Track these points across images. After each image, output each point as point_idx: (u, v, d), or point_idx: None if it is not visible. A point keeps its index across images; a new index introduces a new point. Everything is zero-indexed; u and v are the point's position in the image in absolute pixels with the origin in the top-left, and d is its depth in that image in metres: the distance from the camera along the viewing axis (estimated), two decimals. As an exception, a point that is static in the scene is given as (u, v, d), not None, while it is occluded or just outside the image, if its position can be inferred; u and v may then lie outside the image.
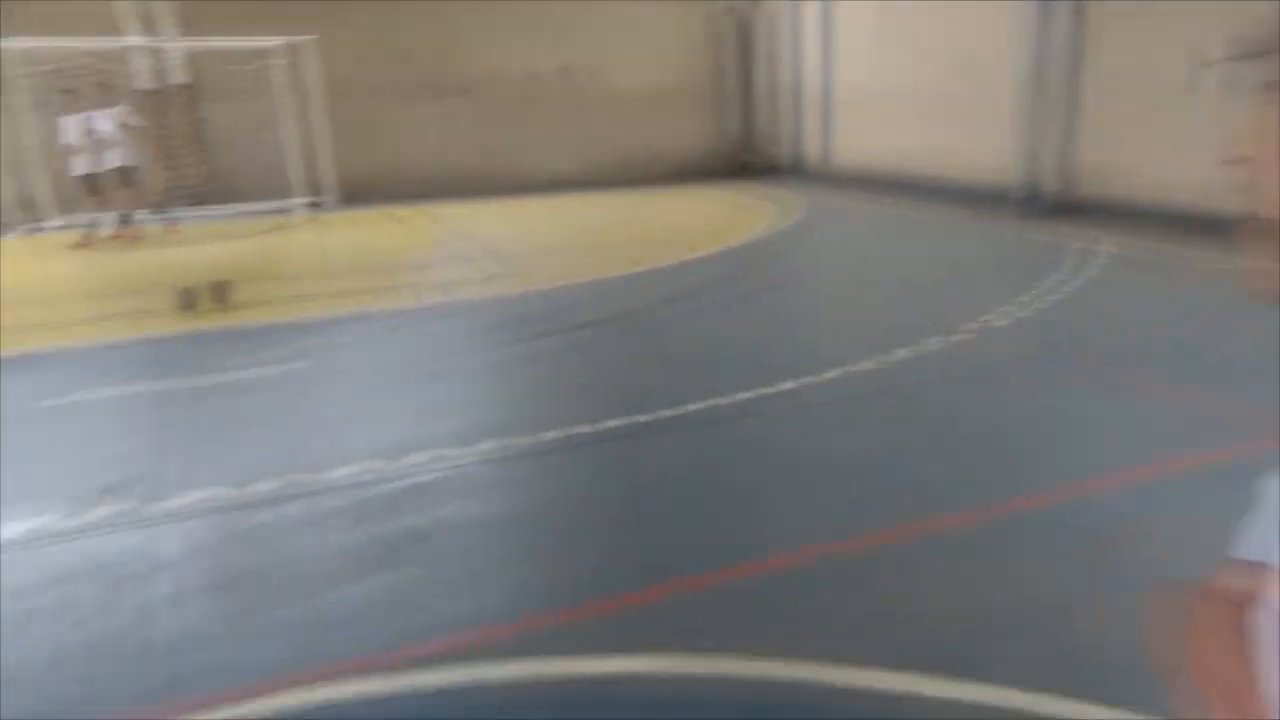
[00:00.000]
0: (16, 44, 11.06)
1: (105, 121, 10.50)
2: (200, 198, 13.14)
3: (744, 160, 16.42)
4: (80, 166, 10.57)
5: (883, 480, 3.94)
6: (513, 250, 9.64)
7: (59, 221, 11.57)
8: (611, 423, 4.68)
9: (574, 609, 3.07)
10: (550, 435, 4.56)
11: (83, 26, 11.72)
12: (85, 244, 10.58)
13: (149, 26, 12.59)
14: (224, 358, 6.11)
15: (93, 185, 10.65)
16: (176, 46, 12.49)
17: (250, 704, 2.60)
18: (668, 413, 4.77)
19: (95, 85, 10.81)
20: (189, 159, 13.20)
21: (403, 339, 6.49)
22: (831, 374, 5.26)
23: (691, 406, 4.84)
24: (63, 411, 5.13)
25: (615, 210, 12.64)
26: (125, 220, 10.96)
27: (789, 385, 5.11)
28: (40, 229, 11.54)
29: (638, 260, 8.94)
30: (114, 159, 10.62)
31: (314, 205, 12.91)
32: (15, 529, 3.72)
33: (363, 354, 6.15)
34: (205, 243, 10.85)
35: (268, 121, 13.10)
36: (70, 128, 10.51)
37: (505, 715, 2.56)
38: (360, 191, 13.67)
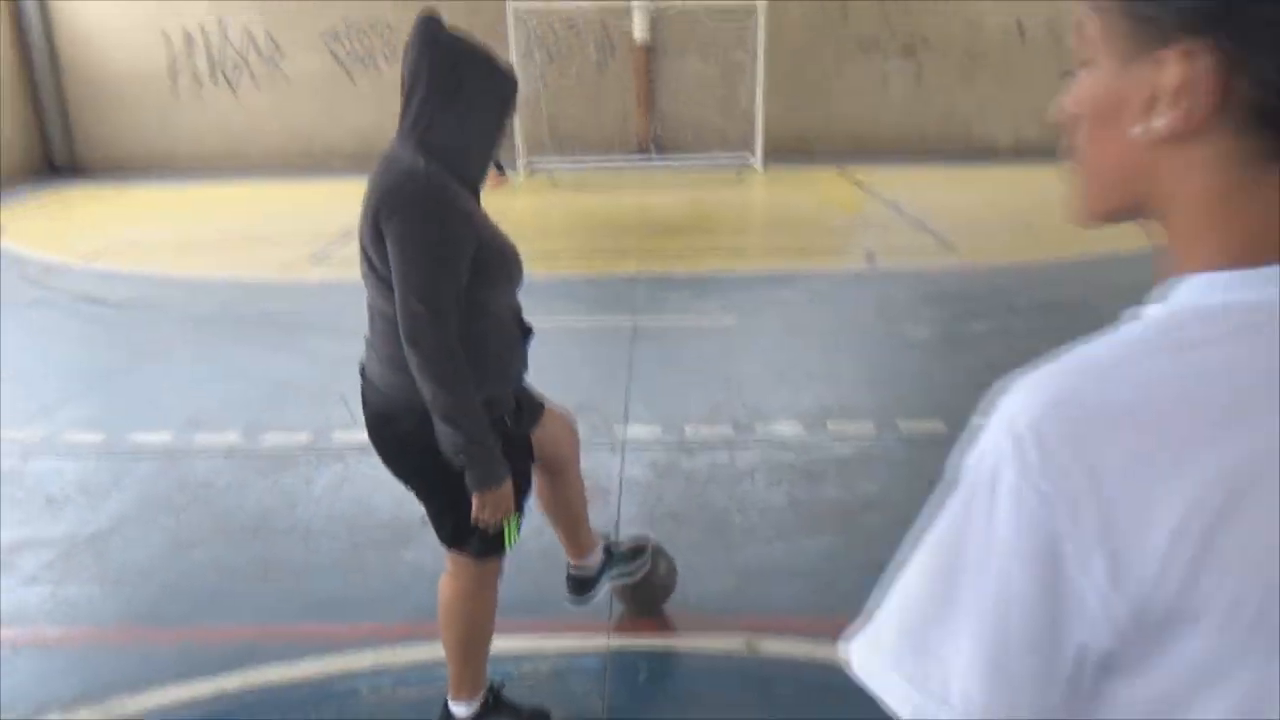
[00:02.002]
0: (519, 5, 12.74)
1: None
2: (643, 150, 14.21)
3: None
4: None
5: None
6: (944, 221, 9.24)
7: (554, 161, 13.27)
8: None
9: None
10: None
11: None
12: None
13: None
14: (661, 303, 6.62)
15: None
16: (662, 6, 13.45)
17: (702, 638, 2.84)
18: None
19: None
20: (636, 113, 14.29)
21: (829, 304, 6.54)
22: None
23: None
24: (539, 333, 5.89)
25: (1064, 185, 11.57)
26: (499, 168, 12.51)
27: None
28: (537, 167, 13.23)
29: (1089, 244, 8.13)
30: None
31: (746, 163, 13.39)
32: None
33: (789, 314, 6.30)
34: (647, 191, 11.75)
35: (714, 79, 13.80)
36: None
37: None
38: (789, 151, 13.90)
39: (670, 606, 3.00)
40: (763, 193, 11.85)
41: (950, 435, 4.26)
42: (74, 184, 13.01)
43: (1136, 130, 0.63)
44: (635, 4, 13.50)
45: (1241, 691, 0.57)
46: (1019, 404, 0.63)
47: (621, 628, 2.91)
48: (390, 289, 1.96)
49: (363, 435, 4.30)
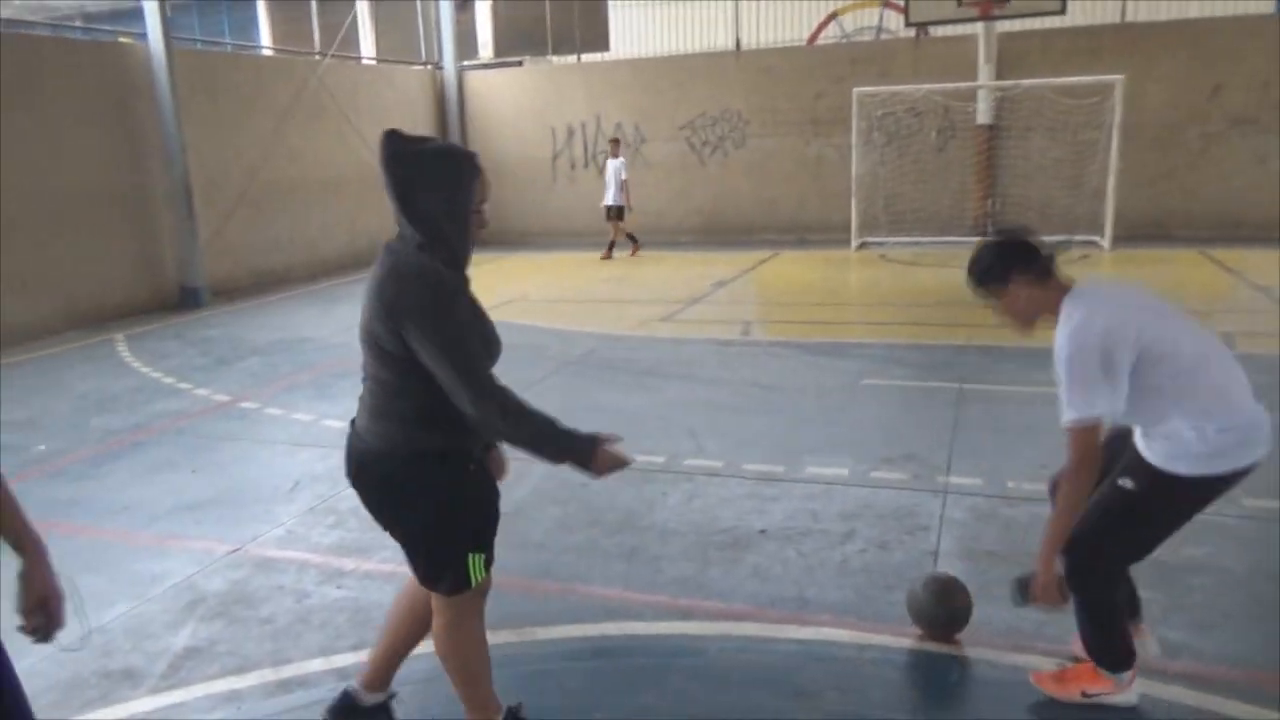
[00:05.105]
0: (863, 90, 13.46)
1: (615, 169, 13.59)
2: (980, 229, 14.12)
3: None
4: (606, 199, 13.85)
5: None
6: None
7: (887, 238, 13.80)
8: None
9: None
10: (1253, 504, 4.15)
11: (941, 70, 13.91)
12: (606, 257, 13.82)
13: (965, 71, 13.91)
14: (989, 372, 6.76)
15: (609, 214, 13.84)
16: (1008, 86, 13.52)
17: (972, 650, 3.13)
18: None
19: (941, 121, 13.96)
20: (975, 193, 14.27)
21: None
22: None
23: None
24: (866, 390, 6.37)
25: None
26: (611, 245, 13.87)
27: None
28: (868, 244, 13.78)
29: None
30: (611, 198, 13.70)
31: (1091, 242, 12.88)
32: (831, 471, 4.88)
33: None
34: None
35: (1062, 159, 13.51)
36: (609, 170, 13.70)
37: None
38: (1144, 233, 13.19)
39: (984, 629, 3.28)
40: (1109, 273, 11.36)
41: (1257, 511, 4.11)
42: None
43: (1022, 297, 2.69)
44: (980, 86, 13.65)
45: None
46: (1061, 335, 2.55)
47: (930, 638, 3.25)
48: (391, 359, 2.28)
49: (709, 462, 5.03)
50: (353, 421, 2.46)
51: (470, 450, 2.42)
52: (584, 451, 2.31)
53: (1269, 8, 14.56)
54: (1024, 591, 2.76)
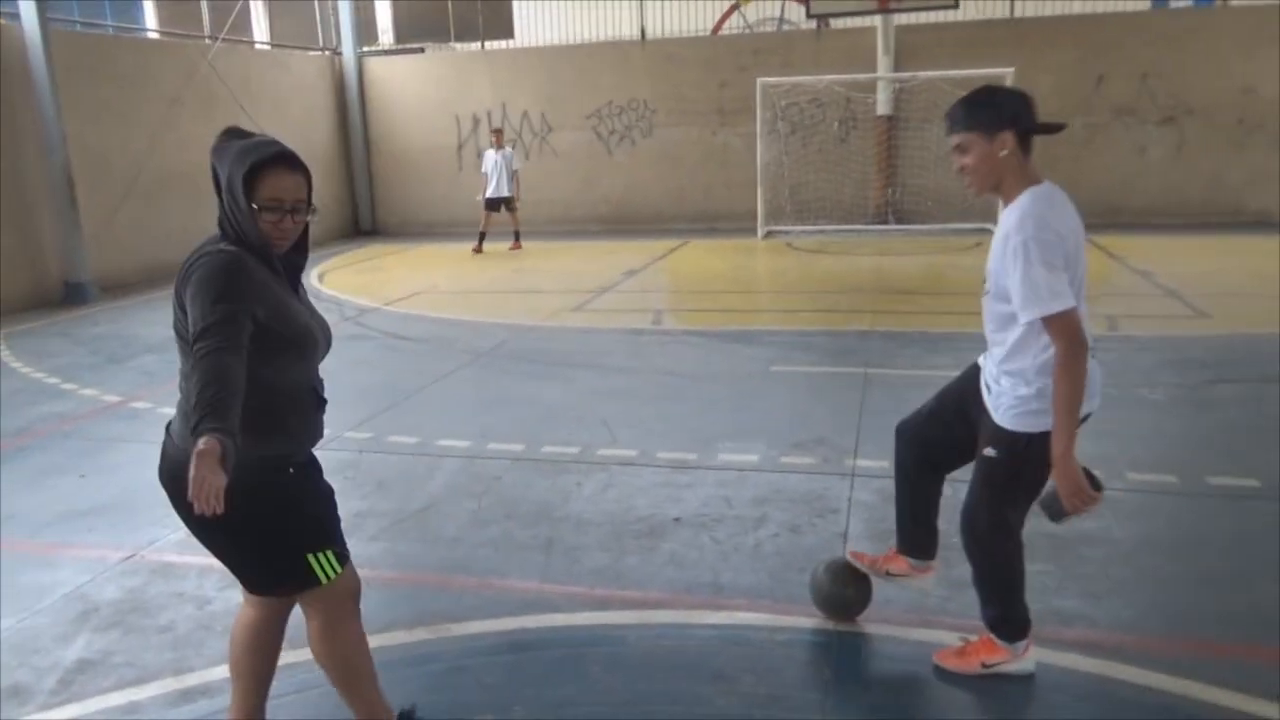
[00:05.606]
0: (767, 81, 13.63)
1: (502, 160, 13.26)
2: (881, 218, 14.50)
3: None
4: (488, 191, 13.38)
5: None
6: (1199, 290, 8.92)
7: (793, 227, 13.98)
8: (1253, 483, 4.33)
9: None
10: (1212, 481, 4.40)
11: (842, 62, 14.16)
12: (477, 250, 13.37)
13: (865, 62, 14.23)
14: (893, 357, 6.95)
15: (492, 205, 13.41)
16: (906, 78, 13.84)
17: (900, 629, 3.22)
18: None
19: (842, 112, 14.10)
20: (876, 182, 14.64)
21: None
22: None
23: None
24: (776, 376, 6.47)
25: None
26: (516, 236, 13.71)
27: None
28: (775, 232, 13.97)
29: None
30: (503, 188, 13.28)
31: (985, 230, 13.35)
32: (742, 458, 4.94)
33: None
34: (884, 256, 12.06)
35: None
36: (489, 161, 13.37)
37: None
38: (1034, 219, 13.71)
39: (890, 607, 3.37)
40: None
41: (1182, 487, 4.35)
42: (376, 243, 15.13)
43: (1002, 154, 2.57)
44: (879, 78, 13.98)
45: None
46: (1027, 222, 2.52)
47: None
48: (190, 349, 2.12)
49: (623, 451, 5.04)
50: (168, 426, 2.34)
51: (290, 455, 2.34)
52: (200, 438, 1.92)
53: (1145, 5, 15.32)
54: (1056, 509, 2.63)
